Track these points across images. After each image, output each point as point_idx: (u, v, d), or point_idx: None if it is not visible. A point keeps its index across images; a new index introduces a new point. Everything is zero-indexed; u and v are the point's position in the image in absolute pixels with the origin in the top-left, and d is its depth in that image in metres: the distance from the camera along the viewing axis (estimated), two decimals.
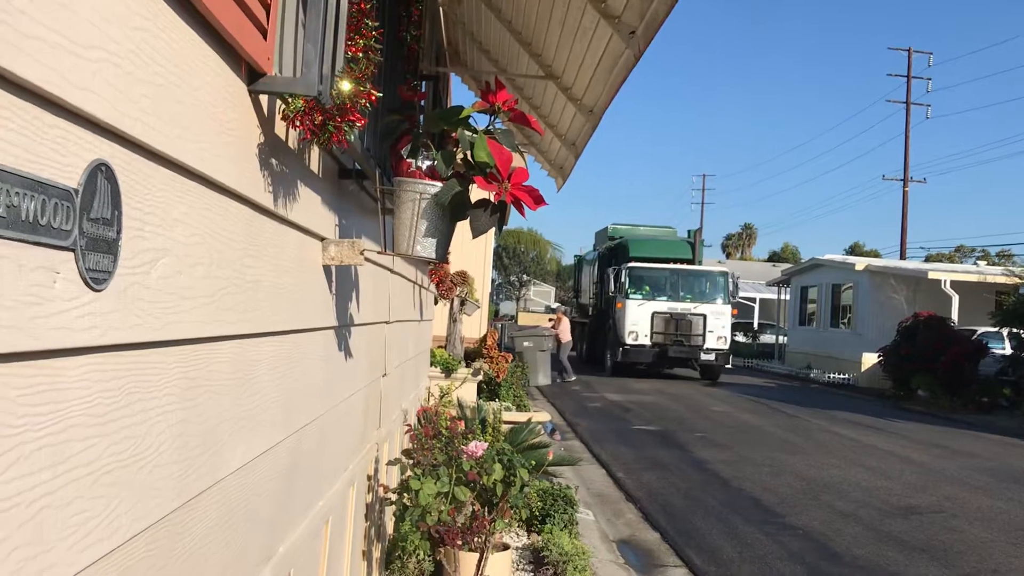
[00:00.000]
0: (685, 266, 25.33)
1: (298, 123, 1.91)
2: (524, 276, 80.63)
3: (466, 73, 7.81)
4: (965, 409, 19.71)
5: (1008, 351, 21.84)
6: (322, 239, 2.65)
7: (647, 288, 24.33)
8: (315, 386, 2.69)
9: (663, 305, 23.92)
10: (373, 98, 2.10)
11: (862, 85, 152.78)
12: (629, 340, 23.70)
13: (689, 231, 27.79)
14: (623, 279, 24.32)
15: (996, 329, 22.67)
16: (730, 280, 24.75)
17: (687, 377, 24.90)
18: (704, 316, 23.82)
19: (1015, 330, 21.36)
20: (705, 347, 23.71)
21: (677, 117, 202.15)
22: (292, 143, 2.20)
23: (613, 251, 27.56)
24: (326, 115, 1.91)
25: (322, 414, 2.80)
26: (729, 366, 25.76)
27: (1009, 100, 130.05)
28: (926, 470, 11.27)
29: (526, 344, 20.66)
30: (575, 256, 35.96)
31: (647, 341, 23.68)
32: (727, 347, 24.39)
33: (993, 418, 18.57)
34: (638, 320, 23.70)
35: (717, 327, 23.89)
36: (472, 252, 14.38)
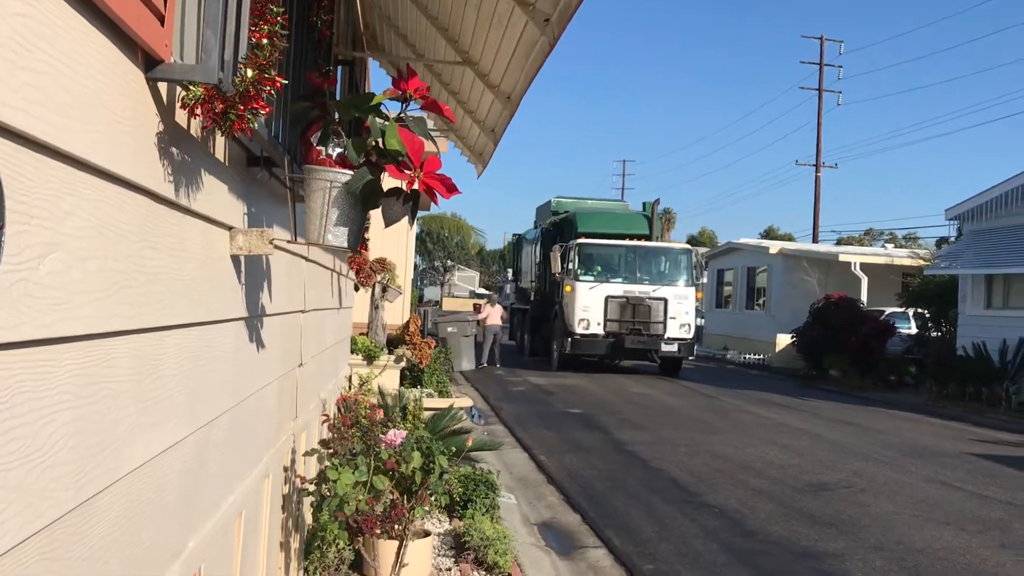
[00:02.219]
0: (642, 242, 22.01)
1: (198, 111, 1.86)
2: (448, 262, 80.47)
3: (384, 58, 7.72)
4: (874, 387, 20.45)
5: (914, 330, 22.75)
6: (230, 228, 2.60)
7: (599, 268, 21.23)
8: (224, 378, 2.64)
9: (618, 288, 20.79)
10: (278, 85, 2.06)
11: (778, 72, 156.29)
12: (579, 329, 20.57)
13: (644, 203, 24.14)
14: (571, 258, 21.11)
15: (903, 309, 23.61)
16: (694, 258, 21.90)
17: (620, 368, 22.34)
18: (665, 300, 20.77)
19: (920, 310, 22.27)
20: (667, 336, 20.67)
21: (596, 104, 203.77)
22: (194, 131, 2.15)
23: (558, 227, 24.03)
24: (227, 103, 1.87)
25: (232, 407, 2.75)
26: (692, 357, 22.45)
27: (917, 88, 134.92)
28: (836, 447, 11.66)
29: (450, 330, 20.65)
30: (514, 235, 31.70)
31: (600, 330, 20.57)
32: (691, 336, 21.21)
33: (900, 395, 19.32)
34: (589, 305, 20.57)
35: (680, 313, 20.85)
36: (393, 238, 14.28)
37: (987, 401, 16.77)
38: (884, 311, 23.72)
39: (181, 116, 2.02)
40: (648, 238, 22.41)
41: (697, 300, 21.89)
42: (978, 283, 19.20)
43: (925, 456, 11.18)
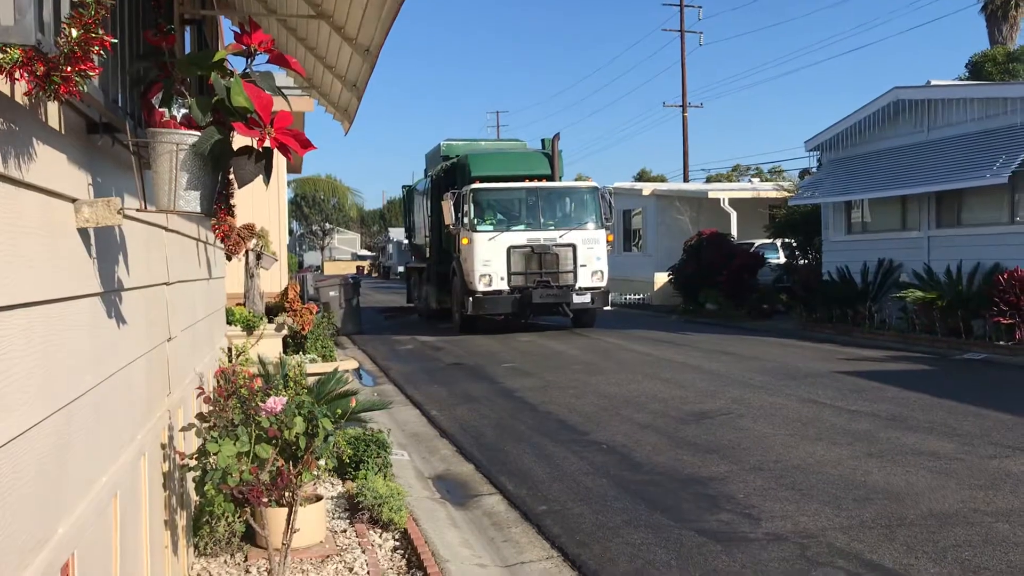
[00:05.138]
0: (543, 183, 19.89)
1: (17, 75, 1.75)
2: (327, 225, 79.01)
3: (235, 15, 7.42)
4: (749, 317, 21.31)
5: (783, 260, 23.75)
6: (74, 200, 2.48)
7: (498, 216, 19.40)
8: (83, 357, 2.53)
9: (521, 236, 18.88)
10: (107, 44, 1.96)
11: (642, 15, 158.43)
12: (481, 286, 18.57)
13: (543, 140, 21.87)
14: (466, 206, 18.98)
15: (771, 240, 24.58)
16: (602, 196, 19.72)
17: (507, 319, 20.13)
18: (573, 246, 18.90)
19: (787, 240, 23.24)
20: (578, 287, 18.78)
21: (466, 63, 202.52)
22: (20, 98, 2.03)
23: (450, 173, 21.82)
24: (50, 65, 1.76)
25: (94, 386, 2.65)
26: (608, 308, 20.20)
27: (774, 24, 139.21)
28: (715, 376, 12.13)
29: (332, 294, 20.37)
30: (403, 187, 29.29)
31: (504, 285, 18.65)
32: (604, 284, 19.14)
33: (773, 323, 20.20)
34: (491, 258, 18.59)
35: (591, 259, 18.95)
36: (264, 204, 13.91)
37: (852, 322, 17.71)
38: (754, 243, 24.64)
39: (2, 83, 1.90)
40: (550, 178, 20.37)
41: (609, 243, 19.91)
42: (838, 210, 20.13)
43: (797, 378, 11.76)
